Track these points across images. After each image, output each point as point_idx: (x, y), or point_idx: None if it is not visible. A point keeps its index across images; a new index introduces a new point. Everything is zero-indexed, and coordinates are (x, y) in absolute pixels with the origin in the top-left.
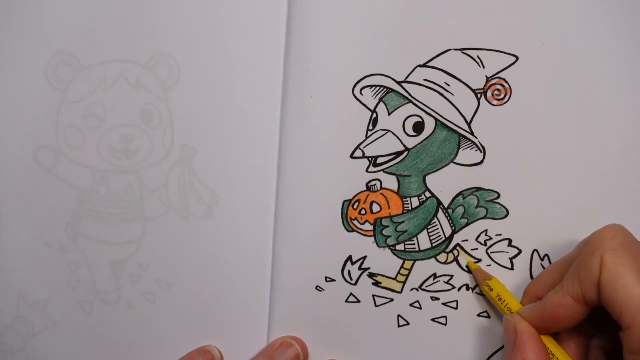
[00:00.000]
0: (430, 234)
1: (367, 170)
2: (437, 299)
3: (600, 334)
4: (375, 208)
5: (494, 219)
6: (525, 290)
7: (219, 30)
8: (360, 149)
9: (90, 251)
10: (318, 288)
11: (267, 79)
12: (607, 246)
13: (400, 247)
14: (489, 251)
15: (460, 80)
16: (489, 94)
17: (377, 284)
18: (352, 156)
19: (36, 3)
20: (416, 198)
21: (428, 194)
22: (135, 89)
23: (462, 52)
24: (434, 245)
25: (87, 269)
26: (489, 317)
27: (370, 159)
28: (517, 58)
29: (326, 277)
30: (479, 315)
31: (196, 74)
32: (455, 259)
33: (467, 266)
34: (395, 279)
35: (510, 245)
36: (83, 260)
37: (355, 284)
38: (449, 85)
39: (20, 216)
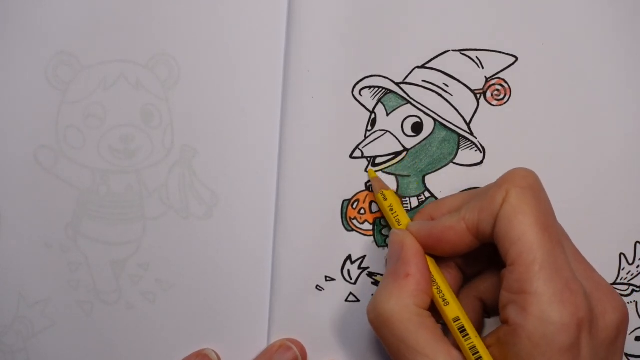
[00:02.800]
0: None
1: (366, 170)
2: None
3: (478, 282)
4: (375, 208)
5: None
6: (421, 209)
7: (219, 31)
8: (359, 148)
9: (90, 251)
10: (318, 287)
11: (267, 79)
12: (516, 183)
13: None
14: None
15: (459, 81)
16: (489, 94)
17: (376, 283)
18: (351, 156)
19: (36, 3)
20: (415, 198)
21: (427, 194)
22: (135, 89)
23: (461, 53)
24: None
25: (87, 269)
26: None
27: (369, 159)
28: (517, 58)
29: (326, 277)
30: None
31: (196, 74)
32: None
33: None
34: None
35: None
36: (83, 260)
37: (355, 283)
38: (447, 86)
39: (20, 216)
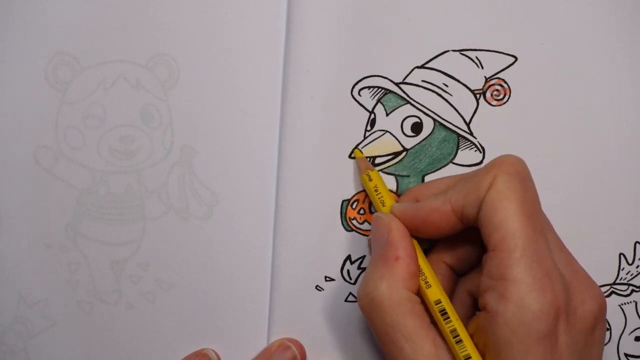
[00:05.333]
0: None
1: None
2: None
3: (468, 277)
4: (374, 208)
5: None
6: (407, 191)
7: (219, 31)
8: (358, 149)
9: (90, 251)
10: (317, 287)
11: (267, 80)
12: (504, 169)
13: None
14: None
15: (458, 81)
16: (488, 94)
17: None
18: (350, 156)
19: (35, 3)
20: None
21: None
22: (135, 89)
23: (460, 53)
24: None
25: (87, 269)
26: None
27: (368, 159)
28: (516, 58)
29: (325, 277)
30: None
31: (196, 75)
32: None
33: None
34: None
35: None
36: (83, 260)
37: (355, 283)
38: (447, 86)
39: (19, 216)
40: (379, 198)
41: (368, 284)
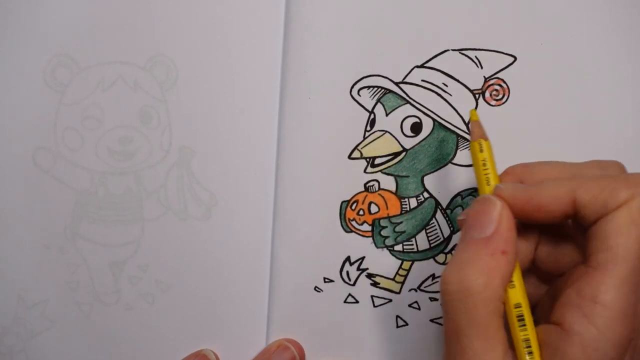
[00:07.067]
0: (429, 235)
1: (364, 171)
2: (436, 299)
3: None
4: (374, 209)
5: None
6: (509, 169)
7: (217, 32)
8: (357, 149)
9: (89, 252)
10: (316, 288)
11: (265, 80)
12: None
13: (398, 247)
14: None
15: (457, 81)
16: (487, 94)
17: (375, 284)
18: (350, 157)
19: (34, 5)
20: (414, 198)
21: (426, 195)
22: (134, 91)
23: (460, 53)
24: (432, 245)
25: (86, 271)
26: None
27: (368, 160)
28: (515, 58)
29: (324, 278)
30: None
31: (194, 76)
32: None
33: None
34: (393, 279)
35: None
36: (82, 261)
37: (354, 284)
38: (446, 86)
39: (18, 218)
40: (485, 174)
41: (466, 272)
